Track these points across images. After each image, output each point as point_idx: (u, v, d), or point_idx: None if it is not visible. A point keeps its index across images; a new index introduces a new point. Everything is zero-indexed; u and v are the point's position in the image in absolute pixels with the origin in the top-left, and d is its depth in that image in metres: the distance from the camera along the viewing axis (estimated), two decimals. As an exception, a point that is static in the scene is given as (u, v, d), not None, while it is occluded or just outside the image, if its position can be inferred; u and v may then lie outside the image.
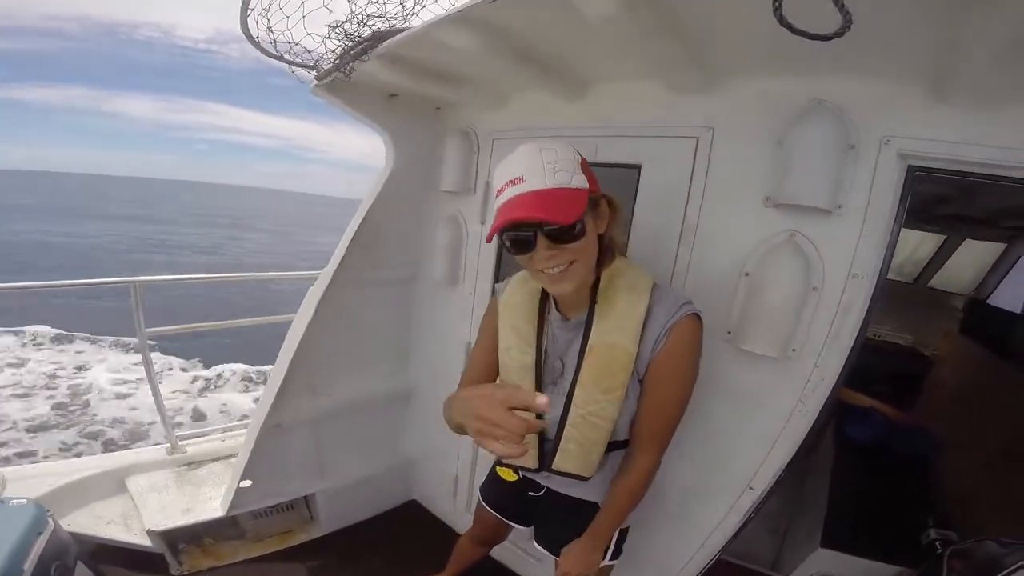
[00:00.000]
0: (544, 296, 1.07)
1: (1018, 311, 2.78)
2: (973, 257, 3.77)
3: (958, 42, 0.81)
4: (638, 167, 1.40)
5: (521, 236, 0.86)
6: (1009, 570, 1.03)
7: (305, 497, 2.06)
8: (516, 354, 1.08)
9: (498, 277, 1.82)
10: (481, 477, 2.07)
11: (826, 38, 0.60)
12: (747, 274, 1.19)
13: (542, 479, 1.20)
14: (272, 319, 2.37)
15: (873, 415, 2.85)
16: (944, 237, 3.81)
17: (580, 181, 0.86)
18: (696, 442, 1.30)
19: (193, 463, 2.15)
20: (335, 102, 1.64)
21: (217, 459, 2.20)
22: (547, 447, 1.09)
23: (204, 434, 2.32)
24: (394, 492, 2.35)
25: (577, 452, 1.04)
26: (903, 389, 3.36)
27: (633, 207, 1.40)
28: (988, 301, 3.32)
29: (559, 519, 1.21)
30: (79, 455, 5.49)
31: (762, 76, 1.15)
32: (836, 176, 1.06)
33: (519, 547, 1.86)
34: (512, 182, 0.86)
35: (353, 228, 1.84)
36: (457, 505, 2.15)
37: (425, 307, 2.16)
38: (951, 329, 3.43)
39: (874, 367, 2.75)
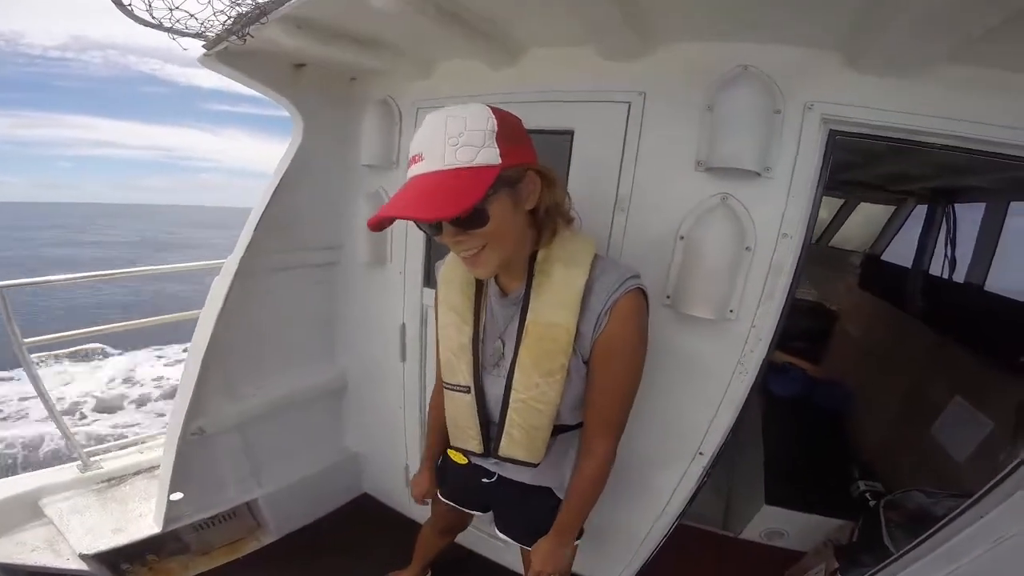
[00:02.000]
0: None
1: (908, 265, 3.15)
2: (866, 218, 4.24)
3: (874, 12, 0.85)
4: (570, 133, 1.39)
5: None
6: (945, 521, 1.16)
7: (247, 504, 1.96)
8: (453, 333, 1.04)
9: (429, 255, 1.77)
10: None
11: None
12: (682, 237, 1.23)
13: (491, 465, 1.18)
14: (176, 317, 2.16)
15: (791, 370, 3.14)
16: (842, 201, 4.24)
17: (488, 156, 0.77)
18: (648, 410, 1.34)
19: (112, 479, 2.01)
20: (229, 73, 1.48)
21: (138, 472, 2.06)
22: (491, 431, 1.06)
23: (120, 447, 2.17)
24: (344, 488, 2.30)
25: (521, 438, 1.02)
26: (813, 343, 3.73)
27: (568, 173, 1.40)
28: (882, 257, 3.74)
29: (514, 506, 1.21)
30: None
31: (692, 42, 1.18)
32: (764, 140, 1.12)
33: (484, 531, 1.87)
34: (412, 159, 0.80)
35: (260, 209, 1.69)
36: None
37: (351, 291, 2.06)
38: (851, 283, 3.84)
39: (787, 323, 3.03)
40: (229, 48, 1.33)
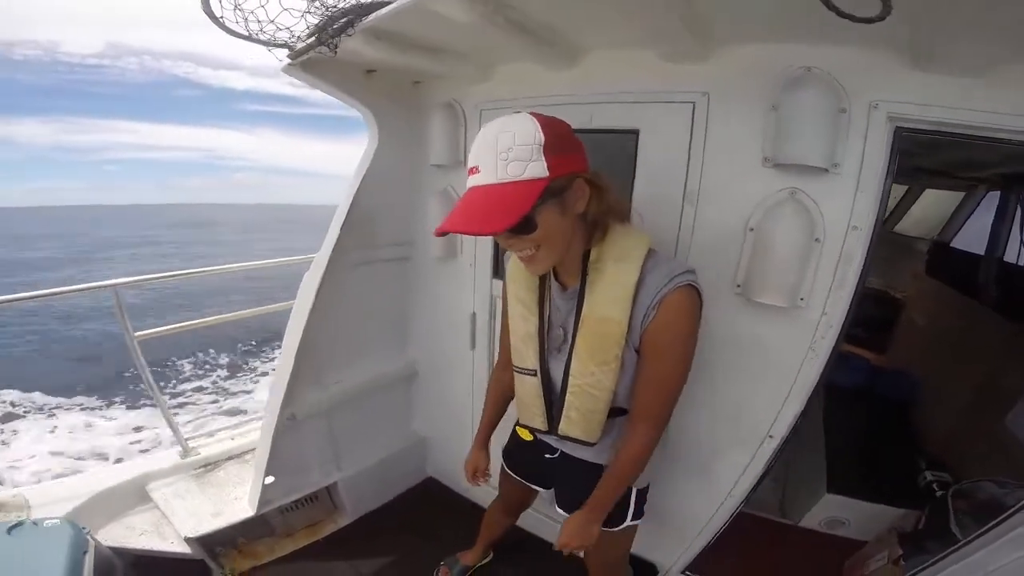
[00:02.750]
0: None
1: (980, 252, 3.06)
2: (933, 204, 4.09)
3: (933, 17, 0.91)
4: (636, 132, 1.48)
5: None
6: (1016, 508, 1.20)
7: (327, 487, 2.14)
8: (521, 323, 1.16)
9: (498, 248, 1.90)
10: (496, 452, 2.20)
11: (869, 21, 0.65)
12: (752, 229, 1.31)
13: (554, 441, 1.29)
14: (265, 309, 2.40)
15: (854, 359, 3.11)
16: (906, 187, 4.10)
17: (535, 170, 0.84)
18: (712, 396, 1.44)
19: (208, 464, 2.21)
20: (310, 81, 1.62)
21: (231, 458, 2.27)
22: (555, 410, 1.17)
23: (211, 434, 2.38)
24: (410, 472, 2.47)
25: (578, 419, 1.12)
26: (877, 332, 3.66)
27: (634, 170, 1.49)
28: (951, 244, 3.62)
29: (574, 482, 1.29)
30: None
31: (752, 44, 1.25)
32: (831, 137, 1.19)
33: (542, 513, 1.99)
34: (471, 171, 0.88)
35: (344, 208, 1.85)
36: None
37: (423, 283, 2.22)
38: (919, 271, 3.73)
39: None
40: (312, 57, 1.47)
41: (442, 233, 0.89)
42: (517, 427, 1.38)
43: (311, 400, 1.96)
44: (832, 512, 2.09)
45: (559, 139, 0.87)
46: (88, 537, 1.41)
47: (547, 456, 1.34)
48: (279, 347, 1.98)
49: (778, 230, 1.26)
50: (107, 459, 6.47)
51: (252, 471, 2.05)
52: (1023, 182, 2.78)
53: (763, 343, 1.38)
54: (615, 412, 1.12)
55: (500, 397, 1.42)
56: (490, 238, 1.89)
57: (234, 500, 2.00)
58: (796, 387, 1.37)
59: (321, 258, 1.84)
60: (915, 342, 3.36)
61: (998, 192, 3.08)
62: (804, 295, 1.28)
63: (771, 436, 1.43)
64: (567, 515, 1.31)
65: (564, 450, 1.29)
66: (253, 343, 11.90)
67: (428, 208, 2.00)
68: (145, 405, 8.16)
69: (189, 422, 7.17)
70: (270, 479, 1.91)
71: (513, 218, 0.84)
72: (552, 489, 1.41)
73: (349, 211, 1.85)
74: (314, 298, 1.83)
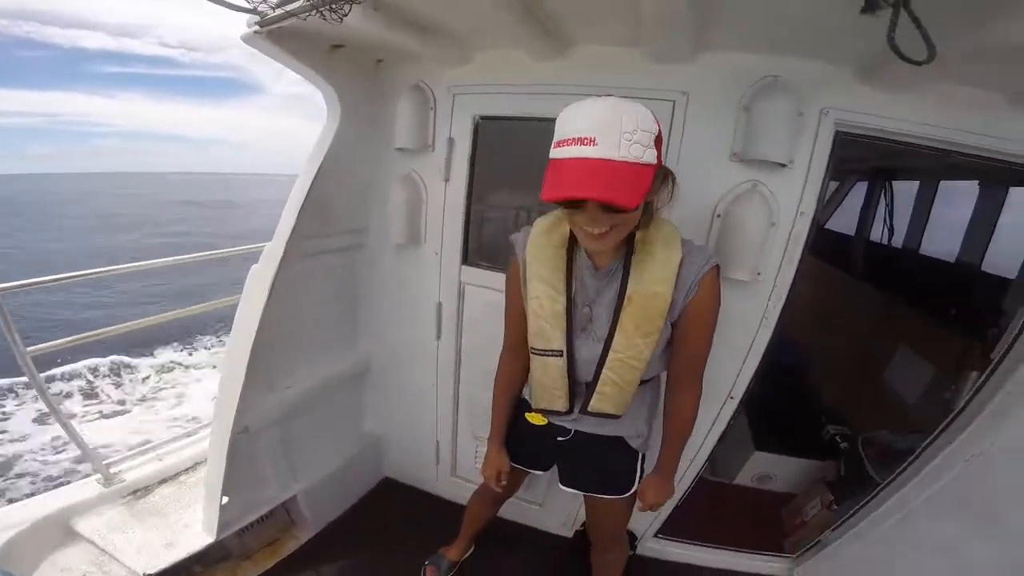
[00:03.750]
0: (571, 246, 1.16)
1: (851, 233, 3.68)
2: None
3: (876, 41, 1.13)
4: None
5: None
6: (915, 454, 1.54)
7: (284, 503, 2.02)
8: (547, 303, 1.17)
9: (467, 237, 1.93)
10: (464, 440, 2.22)
11: (919, 63, 0.77)
12: (719, 216, 1.52)
13: (569, 423, 1.35)
14: (199, 308, 2.19)
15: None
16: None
17: (651, 156, 0.89)
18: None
19: (138, 491, 1.99)
20: (273, 52, 1.51)
21: (163, 481, 2.04)
22: (577, 390, 1.24)
23: (132, 456, 2.11)
24: (367, 474, 2.41)
25: (613, 393, 1.19)
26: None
27: None
28: (826, 226, 4.28)
29: (586, 457, 1.39)
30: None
31: (729, 52, 1.43)
32: (790, 137, 1.41)
33: (521, 499, 2.05)
34: (581, 141, 0.87)
35: (302, 193, 1.72)
36: (441, 472, 2.31)
37: (377, 273, 2.16)
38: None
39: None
40: (284, 27, 1.37)
41: (563, 199, 0.90)
42: (528, 415, 1.41)
43: (264, 407, 1.83)
44: (761, 468, 2.45)
45: (660, 134, 0.94)
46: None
47: (559, 439, 1.39)
48: (193, 346, 1.79)
49: (742, 216, 1.48)
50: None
51: (192, 493, 1.94)
52: (888, 174, 3.40)
53: (726, 313, 1.57)
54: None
55: (511, 388, 1.45)
56: (460, 222, 1.91)
57: (184, 527, 1.83)
58: (752, 351, 1.62)
59: (274, 249, 1.69)
60: (800, 313, 3.96)
61: (866, 181, 3.71)
62: (761, 270, 1.51)
63: (732, 397, 1.67)
64: (571, 490, 1.45)
65: (581, 429, 1.35)
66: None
67: (390, 194, 1.96)
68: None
69: (104, 447, 6.22)
70: (225, 499, 1.76)
71: (639, 197, 0.88)
72: (548, 471, 1.51)
73: (309, 193, 1.73)
74: (268, 294, 1.68)
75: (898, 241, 3.30)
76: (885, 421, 2.25)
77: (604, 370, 1.17)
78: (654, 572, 2.05)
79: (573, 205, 0.94)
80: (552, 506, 2.13)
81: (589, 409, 1.23)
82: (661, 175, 0.99)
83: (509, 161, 1.88)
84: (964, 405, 1.49)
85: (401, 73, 1.87)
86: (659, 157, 0.94)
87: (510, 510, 2.08)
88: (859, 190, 3.85)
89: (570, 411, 1.26)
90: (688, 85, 1.48)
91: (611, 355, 1.16)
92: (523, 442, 1.49)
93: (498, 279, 1.44)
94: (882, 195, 3.46)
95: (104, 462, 1.97)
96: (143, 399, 8.44)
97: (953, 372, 2.00)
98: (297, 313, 1.89)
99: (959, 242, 2.80)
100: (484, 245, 1.97)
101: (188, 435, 2.30)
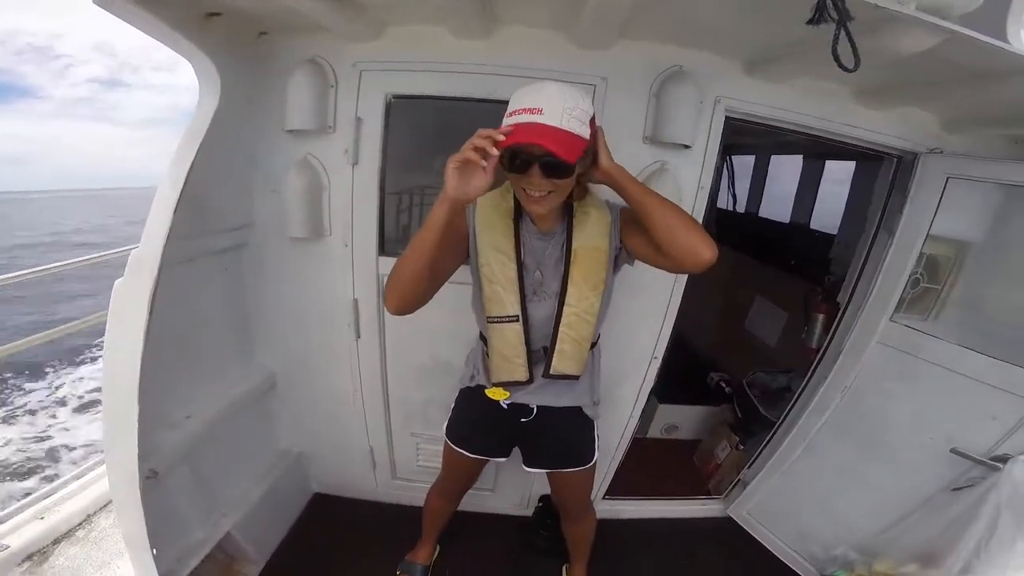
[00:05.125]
0: (516, 216, 1.27)
1: (728, 208, 4.27)
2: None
3: (763, 39, 1.36)
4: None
5: (524, 159, 1.06)
6: (797, 392, 1.88)
7: (219, 541, 1.78)
8: (497, 268, 1.26)
9: (383, 226, 1.83)
10: (401, 439, 2.15)
11: (850, 70, 0.92)
12: None
13: (531, 395, 1.39)
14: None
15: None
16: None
17: (584, 132, 1.07)
18: (614, 334, 1.75)
19: (33, 556, 1.80)
20: (136, 18, 1.27)
21: (57, 541, 1.78)
22: (535, 357, 1.31)
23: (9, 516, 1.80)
24: (296, 495, 2.24)
25: (572, 351, 1.29)
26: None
27: None
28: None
29: (552, 436, 1.47)
30: None
31: (642, 41, 1.57)
32: (692, 122, 1.62)
33: (479, 488, 2.03)
34: (530, 110, 1.03)
35: (176, 188, 1.43)
36: (380, 477, 2.23)
37: (270, 273, 1.95)
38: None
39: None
40: None
41: (522, 143, 1.01)
42: (488, 390, 1.42)
43: (165, 445, 1.58)
44: (667, 420, 2.79)
45: (594, 117, 1.12)
46: None
47: (522, 420, 1.44)
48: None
49: (652, 193, 1.66)
50: None
51: (100, 550, 1.80)
52: (732, 149, 3.98)
53: (643, 280, 1.73)
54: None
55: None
56: (375, 211, 1.81)
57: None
58: (668, 313, 1.86)
59: (144, 257, 1.39)
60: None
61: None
62: None
63: (656, 357, 1.90)
64: (536, 470, 1.53)
65: (543, 403, 1.41)
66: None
67: (285, 181, 1.76)
68: None
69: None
70: (155, 551, 1.48)
71: (575, 156, 1.04)
72: (508, 457, 1.58)
73: (186, 186, 1.47)
74: (148, 310, 1.38)
75: (741, 207, 3.94)
76: (756, 363, 2.72)
77: (561, 328, 1.28)
78: (613, 531, 2.14)
79: (521, 170, 1.08)
80: (504, 489, 2.20)
81: (552, 372, 1.30)
82: (591, 152, 1.14)
83: (428, 142, 1.82)
84: (827, 346, 1.89)
85: (291, 47, 1.68)
86: (592, 135, 1.12)
87: (464, 502, 2.05)
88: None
89: (531, 380, 1.32)
90: (607, 71, 1.61)
91: (566, 309, 1.27)
92: (481, 430, 1.53)
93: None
94: (724, 167, 4.06)
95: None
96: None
97: (803, 315, 2.48)
98: (180, 332, 1.64)
99: (790, 206, 3.46)
100: (403, 233, 1.90)
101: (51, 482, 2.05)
